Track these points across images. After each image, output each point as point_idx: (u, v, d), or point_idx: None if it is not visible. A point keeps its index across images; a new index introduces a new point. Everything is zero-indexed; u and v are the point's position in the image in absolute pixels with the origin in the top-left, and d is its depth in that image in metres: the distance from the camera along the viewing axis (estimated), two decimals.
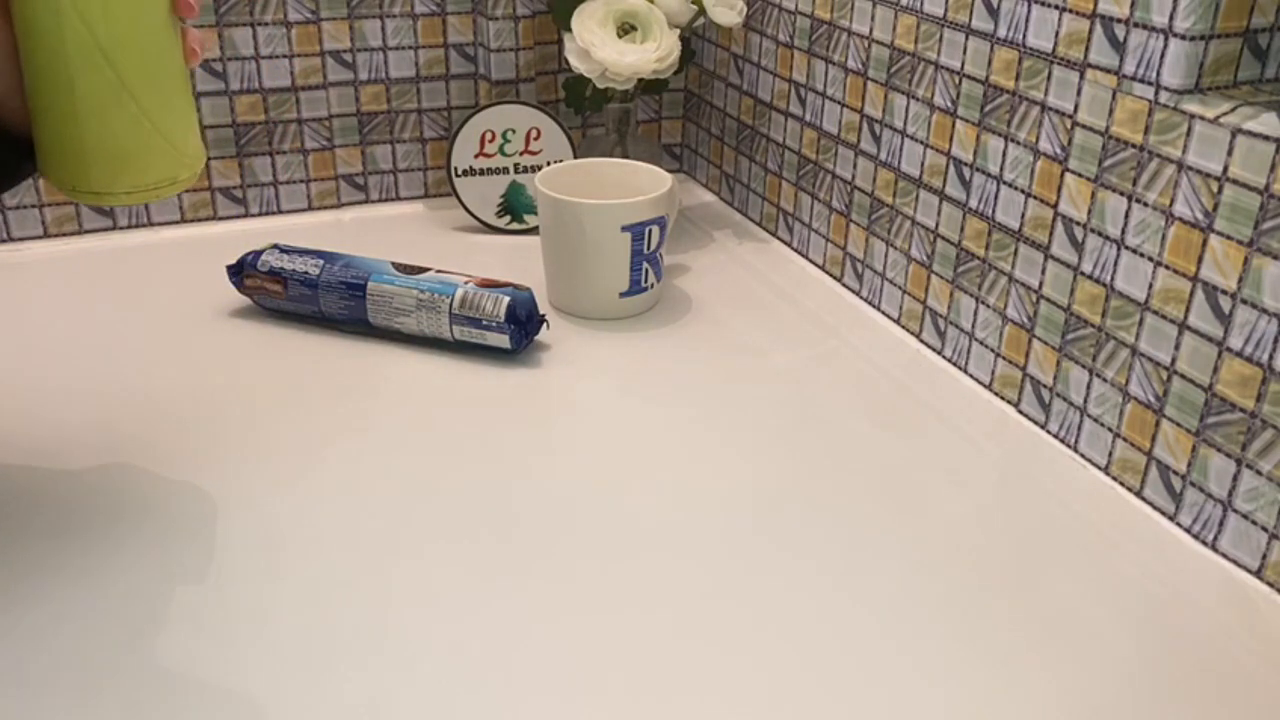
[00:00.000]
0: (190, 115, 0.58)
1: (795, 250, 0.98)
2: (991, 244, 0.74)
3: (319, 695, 0.52)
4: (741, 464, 0.69)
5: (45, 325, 0.83)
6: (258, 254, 0.83)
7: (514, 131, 0.98)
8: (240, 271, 0.83)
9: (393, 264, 0.81)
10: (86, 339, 0.81)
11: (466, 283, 0.79)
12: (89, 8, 0.52)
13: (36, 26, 0.52)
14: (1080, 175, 0.66)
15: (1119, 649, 0.55)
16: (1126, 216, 0.64)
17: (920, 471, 0.69)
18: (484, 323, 0.77)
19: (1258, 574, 0.59)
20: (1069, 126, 0.67)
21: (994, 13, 0.71)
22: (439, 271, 0.81)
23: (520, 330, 0.78)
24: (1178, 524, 0.64)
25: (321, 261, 0.81)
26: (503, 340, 0.78)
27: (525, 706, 0.51)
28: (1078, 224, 0.67)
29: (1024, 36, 0.69)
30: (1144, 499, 0.66)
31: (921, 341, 0.83)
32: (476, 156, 0.99)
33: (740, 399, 0.76)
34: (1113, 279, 0.65)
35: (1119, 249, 0.65)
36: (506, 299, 0.77)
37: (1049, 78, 0.67)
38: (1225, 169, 0.57)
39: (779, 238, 1.00)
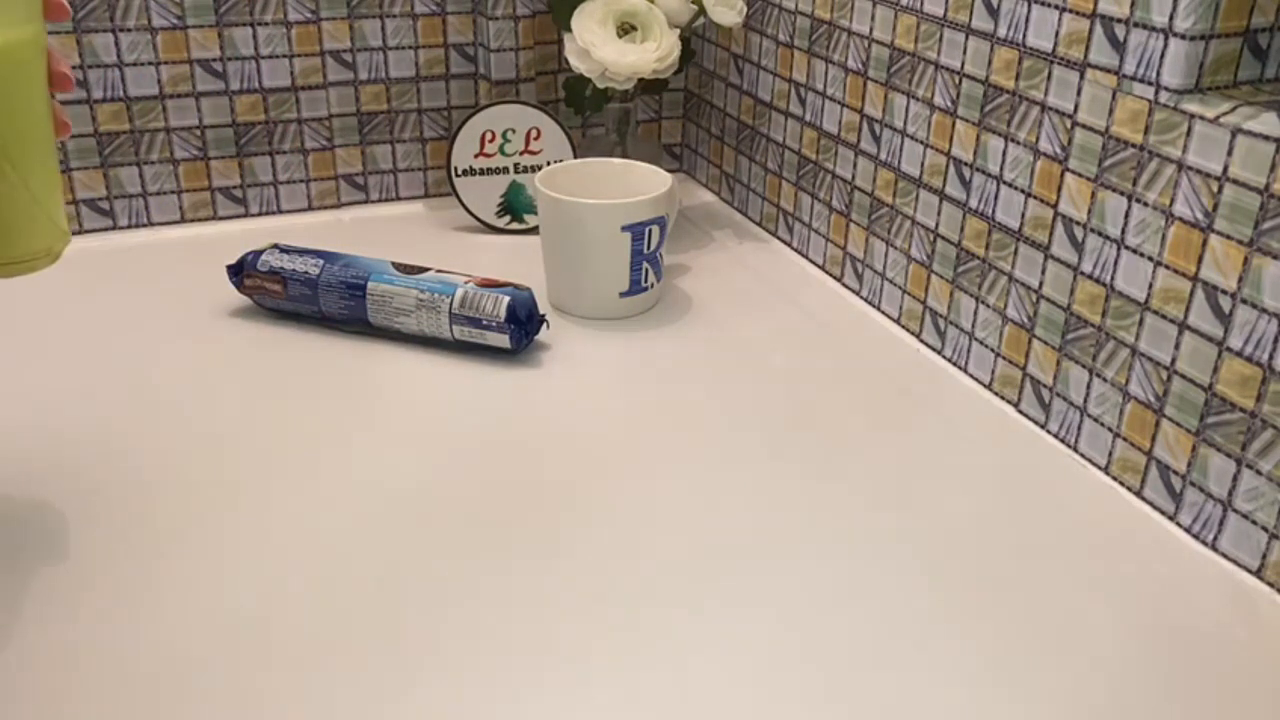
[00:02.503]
0: (60, 188, 0.57)
1: (795, 250, 0.98)
2: (991, 244, 0.74)
3: (321, 695, 0.52)
4: (741, 464, 0.69)
5: (45, 324, 0.83)
6: (258, 254, 0.83)
7: (514, 131, 0.98)
8: (240, 271, 0.83)
9: (393, 264, 0.81)
10: (86, 338, 0.81)
11: (466, 282, 0.79)
12: None
13: None
14: (1080, 175, 0.66)
15: (1119, 649, 0.55)
16: (1126, 216, 0.64)
17: (920, 471, 0.69)
18: (484, 322, 0.77)
19: (1258, 574, 0.59)
20: (1069, 126, 0.67)
21: (994, 13, 0.71)
22: (439, 271, 0.81)
23: (520, 330, 0.78)
24: (1178, 524, 0.64)
25: (321, 261, 0.81)
26: (503, 340, 0.78)
27: (526, 705, 0.51)
28: (1078, 224, 0.67)
29: (1024, 36, 0.69)
30: (1144, 499, 0.66)
31: (921, 341, 0.83)
32: (476, 156, 0.99)
33: (740, 399, 0.76)
34: (1113, 279, 0.65)
35: (1119, 249, 0.65)
36: (506, 299, 0.77)
37: (1049, 78, 0.67)
38: (1225, 169, 0.57)
39: (779, 238, 1.00)
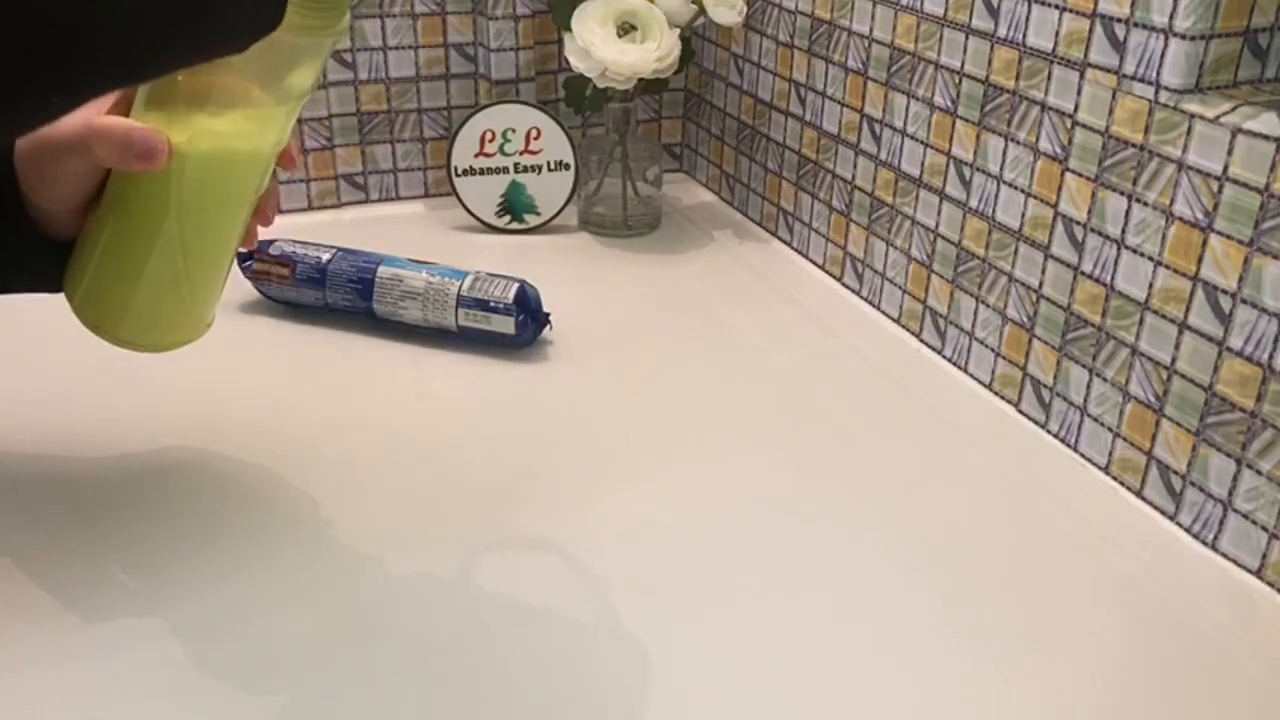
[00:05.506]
0: (220, 292, 0.61)
1: (795, 250, 0.97)
2: (991, 244, 0.74)
3: (321, 693, 0.52)
4: (741, 463, 0.69)
5: (46, 321, 0.83)
6: (269, 241, 0.83)
7: (514, 131, 0.98)
8: (250, 254, 0.83)
9: (407, 259, 0.82)
10: (88, 335, 0.81)
11: (478, 271, 0.80)
12: (188, 218, 0.55)
13: (137, 207, 0.55)
14: (1080, 175, 0.66)
15: (1119, 649, 0.55)
16: (1126, 216, 0.64)
17: (920, 471, 0.69)
18: (491, 304, 0.78)
19: (1258, 574, 0.59)
20: (1069, 126, 0.67)
21: (994, 12, 0.71)
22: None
23: (527, 318, 0.78)
24: (1178, 524, 0.64)
25: (335, 250, 0.82)
26: (508, 324, 0.78)
27: (528, 704, 0.51)
28: (1078, 224, 0.67)
29: (1024, 36, 0.69)
30: (1144, 499, 0.66)
31: (921, 341, 0.83)
32: (476, 156, 0.99)
33: (740, 399, 0.76)
34: (1113, 279, 0.65)
35: (1119, 249, 0.65)
36: (516, 284, 0.79)
37: (1049, 77, 0.67)
38: (1225, 169, 0.57)
39: (779, 237, 1.00)
